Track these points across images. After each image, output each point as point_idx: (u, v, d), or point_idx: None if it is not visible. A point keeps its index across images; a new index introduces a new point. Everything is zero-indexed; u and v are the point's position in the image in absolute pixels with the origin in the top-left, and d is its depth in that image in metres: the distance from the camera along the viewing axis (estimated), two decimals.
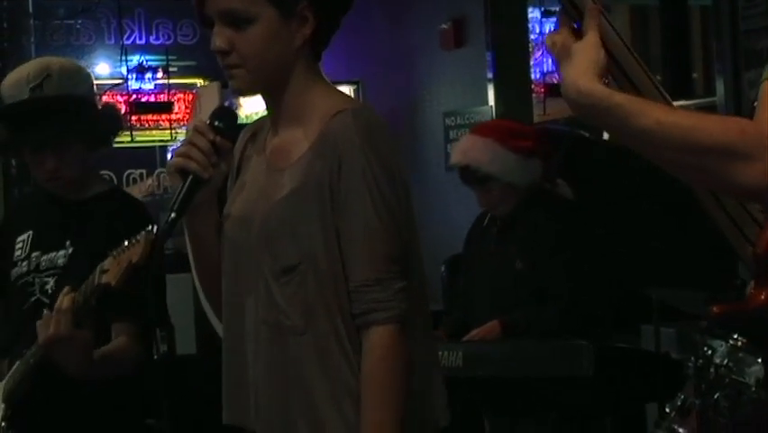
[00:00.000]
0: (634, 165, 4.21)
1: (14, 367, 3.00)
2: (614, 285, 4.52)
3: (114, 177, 7.97)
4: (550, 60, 8.44)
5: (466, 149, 4.37)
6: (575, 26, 1.78)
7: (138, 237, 2.62)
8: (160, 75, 8.67)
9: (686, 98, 6.70)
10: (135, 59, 8.65)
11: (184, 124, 8.51)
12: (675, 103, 1.78)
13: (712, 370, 3.25)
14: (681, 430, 3.36)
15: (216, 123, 2.27)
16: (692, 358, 3.33)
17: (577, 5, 1.77)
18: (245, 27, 2.22)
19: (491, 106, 7.57)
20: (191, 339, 6.28)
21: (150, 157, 8.77)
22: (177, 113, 8.72)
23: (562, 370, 3.80)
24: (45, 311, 2.88)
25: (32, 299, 3.07)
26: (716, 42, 5.88)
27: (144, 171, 8.71)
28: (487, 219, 4.46)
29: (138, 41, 8.73)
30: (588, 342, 3.79)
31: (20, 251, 3.13)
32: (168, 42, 8.76)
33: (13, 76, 3.08)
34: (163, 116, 8.71)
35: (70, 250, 3.05)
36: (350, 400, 2.18)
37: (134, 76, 8.62)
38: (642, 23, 9.51)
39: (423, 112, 8.27)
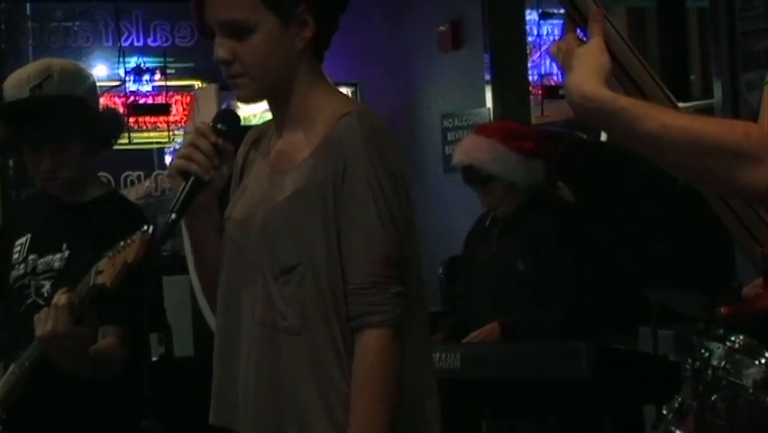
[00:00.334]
0: (634, 167, 4.22)
1: (10, 369, 2.99)
2: (614, 287, 4.53)
3: (111, 179, 7.95)
4: (548, 62, 8.45)
5: (469, 149, 4.38)
6: (580, 34, 1.78)
7: (133, 237, 2.62)
8: (157, 77, 8.68)
9: (683, 101, 6.69)
10: (133, 62, 8.66)
11: (181, 126, 8.50)
12: None
13: (709, 372, 3.26)
14: (678, 432, 3.37)
15: (219, 125, 2.28)
16: (690, 360, 3.34)
17: (580, 10, 1.77)
18: (247, 36, 2.22)
19: (489, 108, 7.56)
20: (188, 341, 6.28)
21: (147, 159, 8.77)
22: (174, 115, 8.72)
23: (560, 372, 3.80)
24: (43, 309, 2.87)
25: (29, 301, 3.05)
26: (713, 44, 5.88)
27: (142, 173, 8.71)
28: (488, 220, 4.46)
29: (135, 43, 8.73)
30: (586, 344, 3.79)
31: (18, 254, 3.12)
32: (165, 44, 8.76)
33: (15, 76, 3.09)
34: (161, 118, 8.71)
35: (67, 253, 3.04)
36: (340, 405, 2.17)
37: (132, 78, 8.63)
38: (639, 26, 9.50)
39: (420, 113, 8.26)
